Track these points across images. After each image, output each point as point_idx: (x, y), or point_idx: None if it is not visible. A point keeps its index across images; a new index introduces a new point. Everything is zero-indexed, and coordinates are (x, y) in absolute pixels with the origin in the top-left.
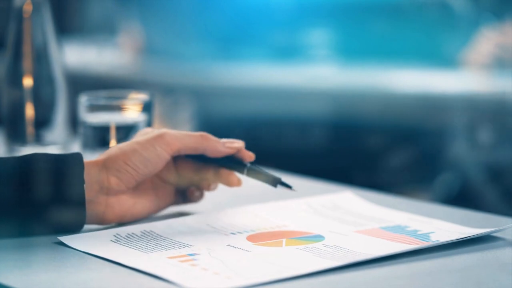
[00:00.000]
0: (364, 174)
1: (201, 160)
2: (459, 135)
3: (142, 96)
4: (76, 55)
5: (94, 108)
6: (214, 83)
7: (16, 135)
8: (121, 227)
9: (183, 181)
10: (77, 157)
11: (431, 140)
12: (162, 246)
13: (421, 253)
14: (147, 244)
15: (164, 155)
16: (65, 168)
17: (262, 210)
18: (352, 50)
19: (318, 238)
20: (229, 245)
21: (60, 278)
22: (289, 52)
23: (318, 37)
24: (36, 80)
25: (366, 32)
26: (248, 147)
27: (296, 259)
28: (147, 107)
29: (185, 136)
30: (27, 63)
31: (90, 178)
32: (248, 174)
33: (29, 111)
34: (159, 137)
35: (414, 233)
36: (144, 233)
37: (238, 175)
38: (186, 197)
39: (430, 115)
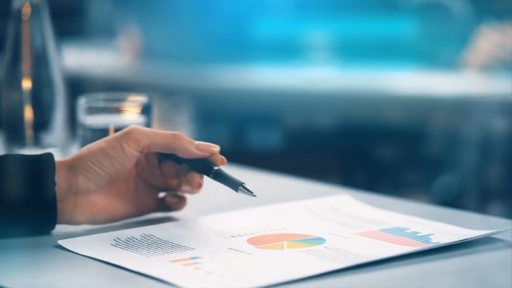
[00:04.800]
0: (362, 176)
1: (173, 159)
2: (459, 137)
3: (141, 99)
4: (75, 58)
5: (93, 110)
6: (213, 86)
7: (15, 138)
8: (120, 231)
9: (166, 184)
10: (49, 157)
11: (430, 142)
12: (163, 249)
13: (421, 255)
14: (148, 247)
15: (131, 152)
16: (36, 169)
17: (261, 213)
18: (351, 52)
19: (319, 240)
20: (230, 248)
21: (59, 281)
22: (288, 54)
23: (317, 39)
24: (35, 83)
25: (365, 34)
26: (247, 149)
27: (299, 262)
28: (146, 110)
29: (155, 133)
30: (26, 65)
31: (59, 177)
32: (214, 177)
33: (28, 113)
34: (126, 134)
35: (414, 235)
36: (144, 237)
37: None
38: (169, 204)
39: (429, 117)
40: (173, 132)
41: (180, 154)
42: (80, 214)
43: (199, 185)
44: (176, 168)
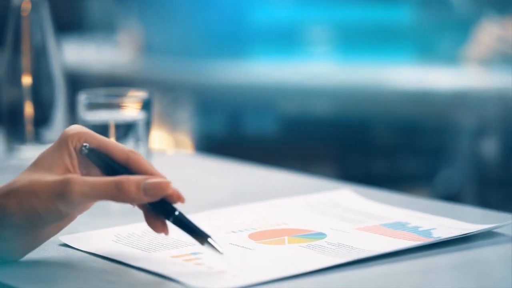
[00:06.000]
0: (360, 166)
1: None
2: (459, 131)
3: (142, 94)
4: (75, 53)
5: (93, 106)
6: (213, 81)
7: (16, 134)
8: (121, 227)
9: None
10: None
11: (430, 137)
12: (164, 245)
13: (422, 250)
14: (148, 243)
15: (67, 211)
16: None
17: (261, 208)
18: (350, 43)
19: (320, 235)
20: (231, 244)
21: (61, 277)
22: (286, 44)
23: (315, 29)
24: (35, 79)
25: (363, 25)
26: (245, 140)
27: (300, 257)
28: (146, 105)
29: (95, 187)
30: (26, 61)
31: None
32: (175, 223)
33: (28, 109)
34: (63, 193)
35: (415, 230)
36: (145, 233)
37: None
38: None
39: (429, 111)
40: (116, 178)
41: (129, 203)
42: (13, 254)
43: (164, 230)
44: None
